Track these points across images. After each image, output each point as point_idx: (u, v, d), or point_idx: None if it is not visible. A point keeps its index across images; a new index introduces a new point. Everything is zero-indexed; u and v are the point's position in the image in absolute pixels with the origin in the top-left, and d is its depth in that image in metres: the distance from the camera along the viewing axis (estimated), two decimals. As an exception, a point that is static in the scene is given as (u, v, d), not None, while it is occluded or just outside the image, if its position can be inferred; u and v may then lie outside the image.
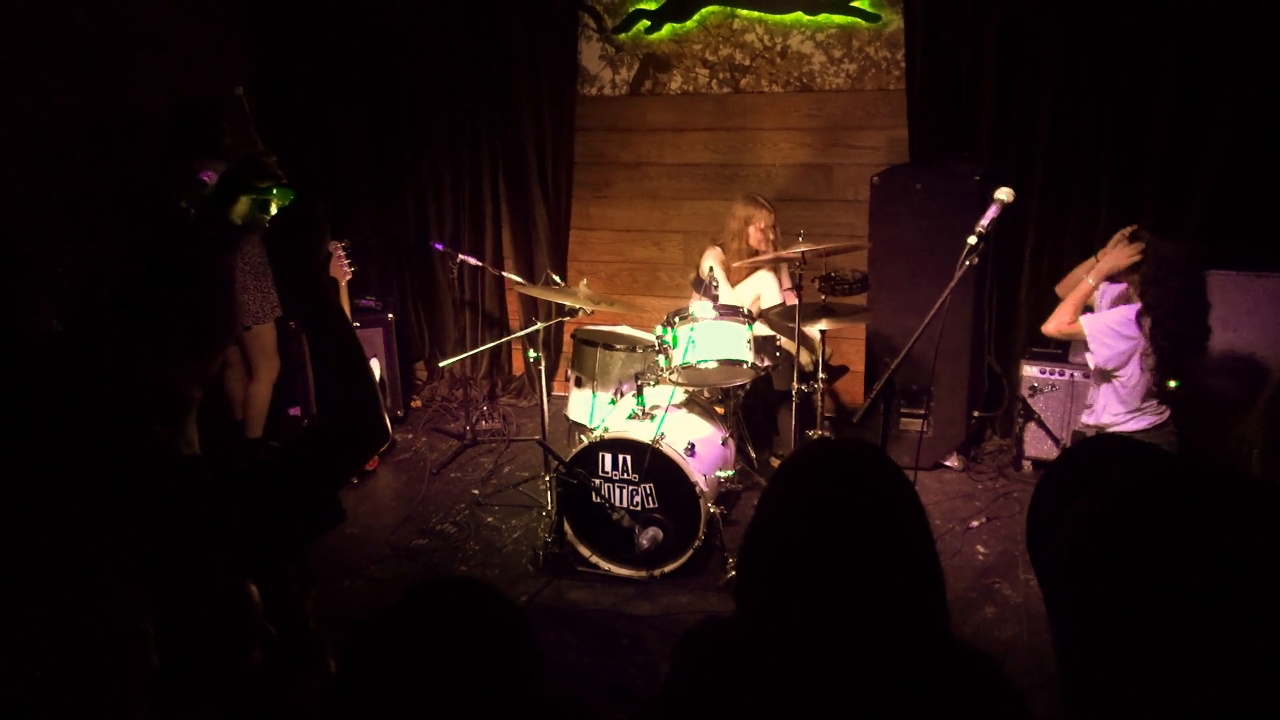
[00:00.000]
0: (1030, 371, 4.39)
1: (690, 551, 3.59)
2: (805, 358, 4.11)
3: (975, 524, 4.03)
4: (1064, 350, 4.41)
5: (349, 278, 4.64)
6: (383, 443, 1.56)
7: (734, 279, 4.55)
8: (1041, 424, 4.36)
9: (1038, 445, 4.45)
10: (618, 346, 4.06)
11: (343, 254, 4.55)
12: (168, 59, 4.72)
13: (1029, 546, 1.17)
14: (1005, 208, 3.21)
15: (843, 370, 4.85)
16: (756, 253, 4.37)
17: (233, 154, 4.05)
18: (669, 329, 3.73)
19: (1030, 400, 4.38)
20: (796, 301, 3.86)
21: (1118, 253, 3.32)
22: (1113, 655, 0.84)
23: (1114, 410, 3.38)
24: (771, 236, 4.43)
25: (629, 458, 3.59)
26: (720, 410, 4.15)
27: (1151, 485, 0.89)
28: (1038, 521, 1.13)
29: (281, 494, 1.41)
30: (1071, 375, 4.30)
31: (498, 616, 1.21)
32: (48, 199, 3.99)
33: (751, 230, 4.40)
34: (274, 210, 1.51)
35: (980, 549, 3.86)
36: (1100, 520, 0.89)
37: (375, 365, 4.82)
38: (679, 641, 1.33)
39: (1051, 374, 4.34)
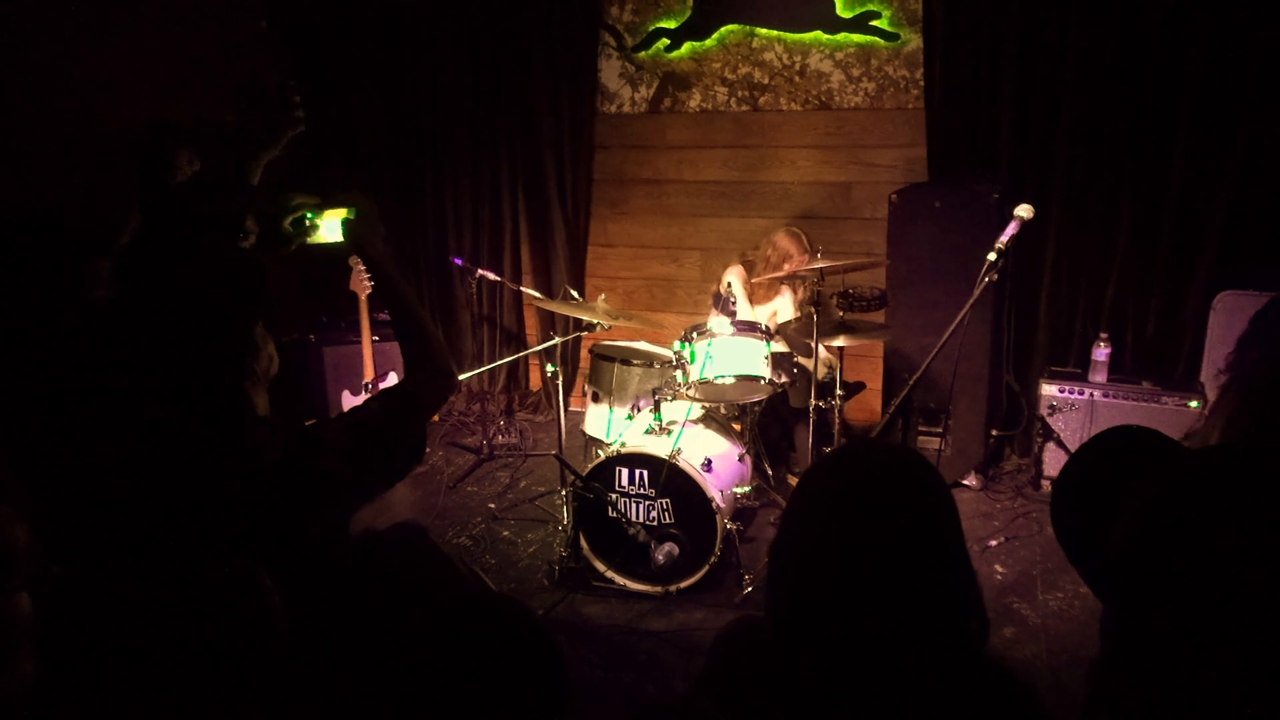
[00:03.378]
0: (1049, 390, 4.36)
1: (706, 567, 3.58)
2: (821, 372, 4.10)
3: (994, 543, 4.00)
4: (1083, 370, 4.39)
5: (369, 292, 4.68)
6: (452, 385, 1.88)
7: (755, 299, 4.55)
8: (1060, 443, 4.33)
9: (1057, 465, 4.42)
10: (635, 362, 4.07)
11: (362, 268, 4.59)
12: (193, 78, 4.78)
13: (1060, 526, 1.18)
14: (1024, 225, 3.21)
15: (859, 386, 4.83)
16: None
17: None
18: (686, 344, 3.74)
19: (1049, 419, 4.35)
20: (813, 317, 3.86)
21: None
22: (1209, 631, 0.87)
23: None
24: (800, 261, 4.41)
25: (646, 473, 3.59)
26: (737, 426, 4.15)
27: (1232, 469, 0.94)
28: (1076, 506, 1.15)
29: (380, 430, 1.72)
30: (1091, 395, 4.28)
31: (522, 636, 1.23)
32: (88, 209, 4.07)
33: (786, 268, 4.38)
34: (324, 226, 1.84)
35: (999, 568, 3.83)
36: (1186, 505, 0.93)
37: (393, 379, 4.84)
38: (713, 643, 1.33)
39: (1071, 393, 4.32)
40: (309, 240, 1.84)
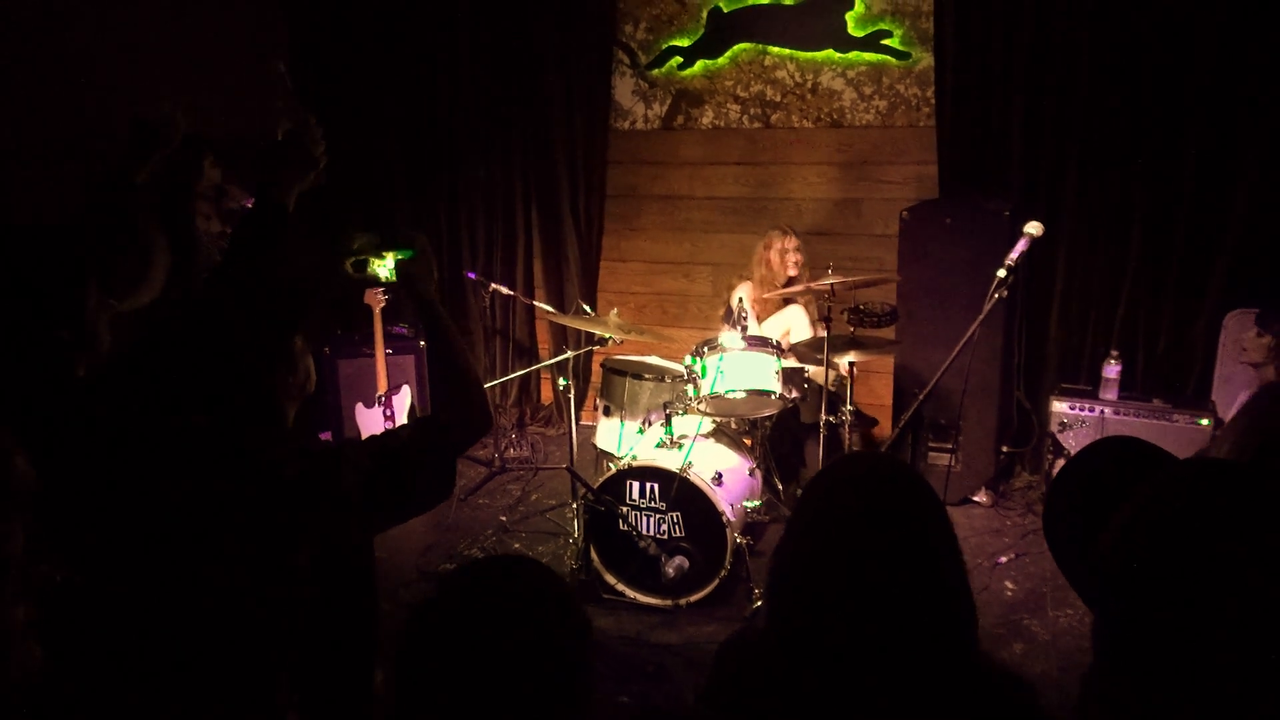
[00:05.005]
0: (1060, 407, 4.36)
1: (716, 581, 3.59)
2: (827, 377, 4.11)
3: (1004, 560, 4.00)
4: (1094, 387, 4.40)
5: (383, 305, 4.72)
6: (487, 427, 1.87)
7: (764, 312, 4.58)
8: (1071, 460, 4.33)
9: (1067, 482, 4.41)
10: (647, 376, 4.10)
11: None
12: (213, 92, 4.85)
13: (1052, 533, 1.20)
14: (1034, 241, 3.23)
15: (872, 421, 4.86)
16: (787, 281, 4.41)
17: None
18: (698, 359, 3.77)
19: (1060, 436, 4.36)
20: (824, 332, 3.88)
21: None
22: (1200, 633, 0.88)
23: None
24: (793, 260, 4.47)
25: (656, 486, 3.61)
26: (748, 441, 4.16)
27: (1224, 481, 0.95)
28: (1069, 515, 1.17)
29: (405, 458, 1.71)
30: (1102, 412, 4.28)
31: (550, 591, 1.23)
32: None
33: (771, 255, 4.46)
34: (381, 266, 1.88)
35: (1009, 585, 3.83)
36: (1176, 511, 0.94)
37: (407, 392, 4.88)
38: (717, 653, 1.35)
39: (1081, 410, 4.32)
40: (366, 278, 1.89)
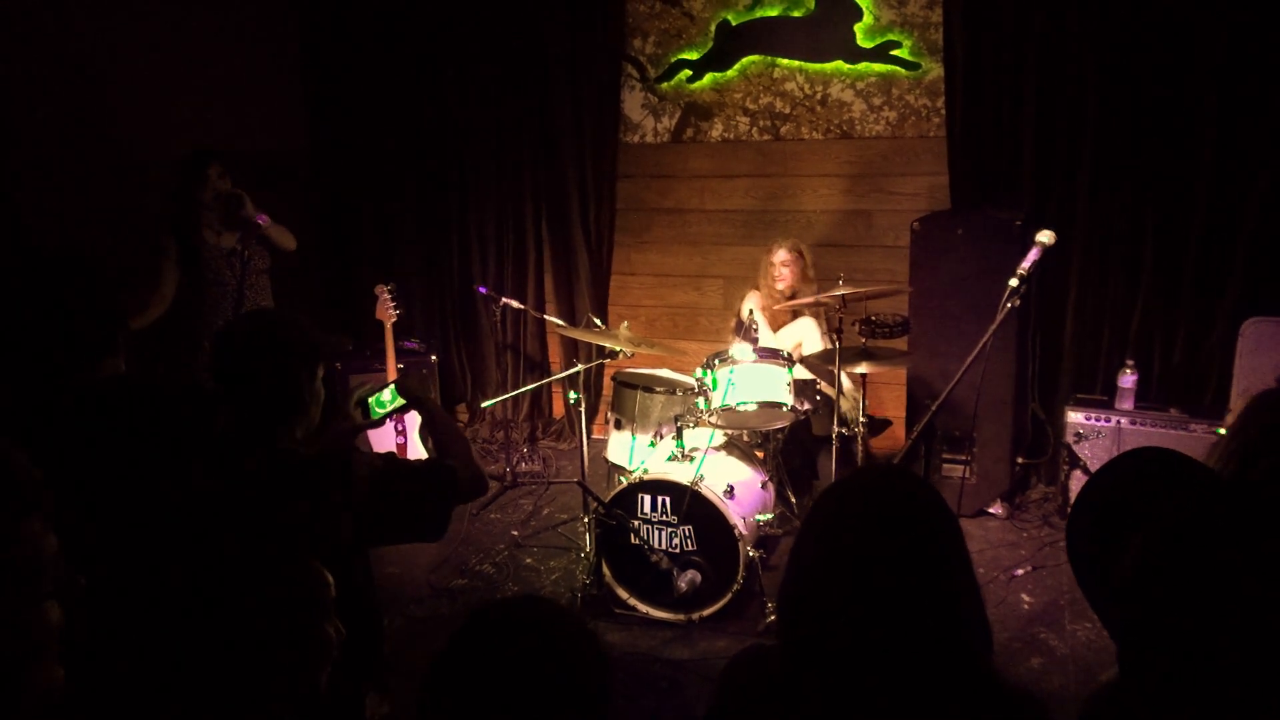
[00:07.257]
0: (1075, 418, 4.32)
1: (729, 595, 3.56)
2: (845, 404, 4.10)
3: (1020, 572, 3.96)
4: (1110, 397, 4.36)
5: (394, 320, 4.72)
6: (482, 491, 2.14)
7: (776, 323, 4.57)
8: (1087, 471, 4.28)
9: (1084, 493, 4.37)
10: (658, 389, 4.08)
11: (389, 296, 4.64)
12: (227, 108, 4.89)
13: (1074, 555, 1.19)
14: (1047, 250, 3.21)
15: (885, 423, 4.83)
16: (792, 295, 4.40)
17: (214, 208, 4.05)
18: (709, 371, 3.75)
19: (1075, 447, 4.31)
20: (836, 344, 3.86)
21: None
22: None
23: None
24: (791, 270, 4.44)
25: (668, 499, 3.59)
26: (760, 454, 4.14)
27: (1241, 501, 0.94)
28: (1092, 532, 1.16)
29: (414, 474, 1.98)
30: (1118, 422, 4.24)
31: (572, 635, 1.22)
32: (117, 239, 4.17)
33: (773, 267, 4.45)
34: (381, 405, 2.25)
35: (1025, 598, 3.78)
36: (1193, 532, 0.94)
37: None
38: (725, 666, 1.34)
39: (1097, 420, 4.28)
40: (376, 416, 2.26)
